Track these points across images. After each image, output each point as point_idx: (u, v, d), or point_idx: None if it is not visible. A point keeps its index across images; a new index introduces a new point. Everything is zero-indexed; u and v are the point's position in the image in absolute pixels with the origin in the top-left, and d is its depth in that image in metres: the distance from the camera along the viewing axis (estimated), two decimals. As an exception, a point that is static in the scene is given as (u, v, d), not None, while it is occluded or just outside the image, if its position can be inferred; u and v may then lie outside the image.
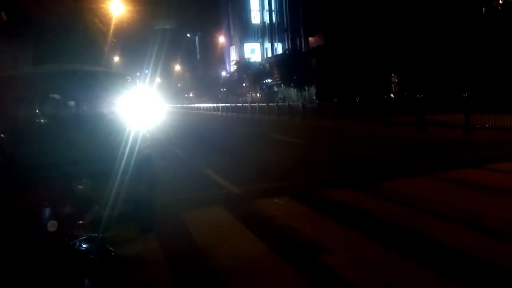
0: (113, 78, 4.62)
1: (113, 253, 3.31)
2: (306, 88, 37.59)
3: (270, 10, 52.96)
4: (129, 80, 4.57)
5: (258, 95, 51.57)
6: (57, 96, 3.98)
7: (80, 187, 3.38)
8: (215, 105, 44.33)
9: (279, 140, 15.75)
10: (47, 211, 3.00)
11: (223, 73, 69.78)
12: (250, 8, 57.80)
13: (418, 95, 13.87)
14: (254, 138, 17.42)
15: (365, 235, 4.74)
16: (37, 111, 3.93)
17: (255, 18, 57.65)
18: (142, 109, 4.77)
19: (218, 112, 41.18)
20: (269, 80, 48.28)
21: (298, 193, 6.90)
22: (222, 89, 66.48)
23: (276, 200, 6.67)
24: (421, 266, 3.85)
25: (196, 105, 59.56)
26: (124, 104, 4.50)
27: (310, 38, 40.31)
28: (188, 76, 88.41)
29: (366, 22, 27.10)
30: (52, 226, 2.91)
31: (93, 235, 3.24)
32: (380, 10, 25.91)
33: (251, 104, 31.86)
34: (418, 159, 9.33)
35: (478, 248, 4.10)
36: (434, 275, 3.66)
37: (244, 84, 56.78)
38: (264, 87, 51.06)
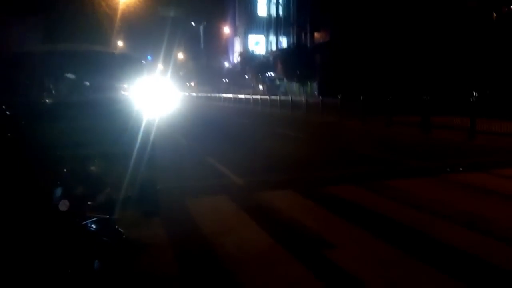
0: (128, 61, 4.57)
1: (124, 236, 3.27)
2: (309, 83, 37.48)
3: (277, 3, 52.61)
4: (143, 64, 4.52)
5: (260, 87, 51.36)
6: (72, 76, 3.93)
7: (93, 168, 3.35)
8: (220, 95, 43.86)
9: (282, 134, 15.73)
10: (59, 190, 2.97)
11: (226, 64, 69.43)
12: (257, 0, 57.43)
13: (424, 97, 13.82)
14: (256, 131, 17.37)
15: (371, 233, 4.76)
16: (51, 89, 3.88)
17: (262, 10, 57.28)
18: (153, 94, 4.73)
19: (220, 103, 41.12)
20: (272, 74, 48.10)
21: (302, 187, 6.91)
22: (224, 80, 66.22)
23: (280, 192, 6.67)
24: (427, 266, 3.87)
25: (199, 94, 59.38)
26: (136, 88, 4.47)
27: (315, 34, 40.07)
28: (191, 65, 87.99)
29: (373, 21, 26.97)
30: (63, 205, 2.88)
31: (105, 216, 3.22)
32: (388, 10, 25.79)
33: (253, 97, 31.79)
34: (423, 160, 9.32)
35: (485, 251, 4.13)
36: (439, 275, 3.69)
37: (246, 76, 56.57)
38: (267, 80, 50.89)
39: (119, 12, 25.49)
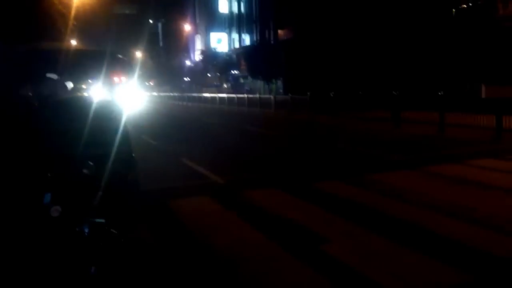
0: (106, 57, 4.32)
1: (122, 240, 3.09)
2: (274, 81, 37.62)
3: (238, 0, 52.49)
4: (121, 59, 4.31)
5: (225, 86, 51.12)
6: (54, 76, 3.68)
7: (85, 171, 3.13)
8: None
9: (254, 132, 15.66)
10: (49, 196, 2.84)
11: (187, 62, 68.57)
12: (218, -3, 57.14)
13: (393, 92, 14.11)
14: (227, 130, 17.18)
15: (363, 226, 4.82)
16: (33, 90, 3.64)
17: (223, 7, 56.95)
18: (128, 93, 4.57)
19: (183, 102, 40.53)
20: (236, 72, 47.98)
21: (286, 184, 6.91)
22: (185, 79, 65.39)
23: (264, 190, 6.63)
24: (421, 255, 3.98)
25: (156, 93, 58.43)
26: (117, 85, 4.28)
27: (279, 31, 40.25)
28: (150, 64, 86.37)
29: (338, 17, 27.30)
30: (55, 211, 2.76)
31: (100, 220, 3.05)
32: (353, 6, 26.14)
33: (219, 95, 31.51)
34: (400, 153, 9.49)
35: (471, 238, 4.29)
36: (434, 263, 3.80)
37: (209, 75, 56.12)
38: (230, 78, 50.72)
39: (73, 10, 24.67)
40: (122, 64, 4.26)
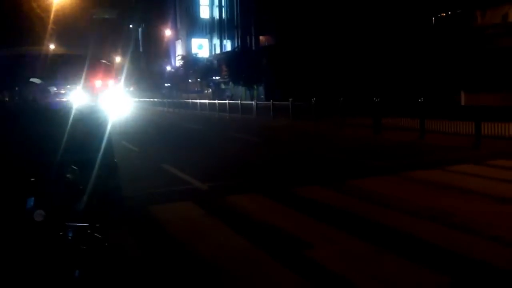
0: (90, 62, 4.26)
1: (106, 244, 3.05)
2: (255, 87, 37.70)
3: (220, 6, 52.49)
4: (106, 65, 4.26)
5: (206, 91, 50.93)
6: (37, 81, 3.62)
7: (69, 175, 3.09)
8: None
9: (236, 138, 15.64)
10: (32, 200, 2.81)
11: (168, 68, 68.11)
12: (199, 3, 56.89)
13: (374, 99, 14.28)
14: (209, 136, 17.12)
15: (345, 231, 4.87)
16: (18, 95, 3.58)
17: (204, 12, 56.85)
18: (112, 98, 4.52)
19: (164, 108, 40.20)
20: (217, 77, 47.90)
21: (268, 190, 6.93)
22: (166, 84, 64.91)
23: (247, 196, 6.65)
24: (403, 259, 4.05)
25: (140, 99, 57.85)
26: (102, 91, 4.24)
27: (261, 37, 40.45)
28: (129, 69, 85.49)
29: (319, 24, 27.55)
30: (39, 215, 2.73)
31: (84, 224, 3.01)
32: (334, 13, 26.40)
33: (200, 101, 31.37)
34: (380, 160, 9.61)
35: (450, 242, 4.39)
36: (415, 267, 3.87)
37: (190, 80, 55.86)
38: (211, 84, 50.59)
39: (52, 14, 24.31)
40: (106, 69, 4.20)
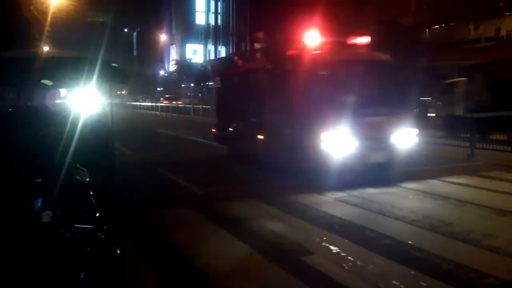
0: (100, 65, 4.24)
1: (113, 246, 3.05)
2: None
3: (216, 13, 52.75)
4: (114, 67, 4.23)
5: (200, 95, 50.91)
6: (49, 83, 3.61)
7: (78, 177, 3.09)
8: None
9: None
10: (40, 201, 2.84)
11: (161, 72, 68.05)
12: (195, 9, 57.11)
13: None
14: (205, 141, 17.03)
15: (344, 237, 4.91)
16: (27, 96, 3.57)
17: (200, 19, 57.05)
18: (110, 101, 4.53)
19: (157, 112, 40.02)
20: (211, 83, 47.93)
21: (265, 196, 6.92)
22: (158, 89, 64.78)
23: (244, 202, 6.65)
24: (401, 265, 4.09)
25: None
26: (105, 93, 4.25)
27: (255, 44, 40.55)
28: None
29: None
30: (46, 216, 2.76)
31: (91, 226, 3.01)
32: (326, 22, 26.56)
33: (194, 106, 31.35)
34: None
35: (450, 251, 4.44)
36: (412, 273, 3.92)
37: (182, 85, 55.85)
38: (204, 89, 50.62)
39: (50, 16, 24.18)
40: (114, 72, 4.18)
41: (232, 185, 8.01)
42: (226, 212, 6.13)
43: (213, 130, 11.94)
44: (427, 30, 20.43)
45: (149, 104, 44.50)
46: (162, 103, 41.72)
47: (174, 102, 41.06)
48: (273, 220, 5.70)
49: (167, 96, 50.57)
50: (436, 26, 20.12)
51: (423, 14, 20.34)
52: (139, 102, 51.61)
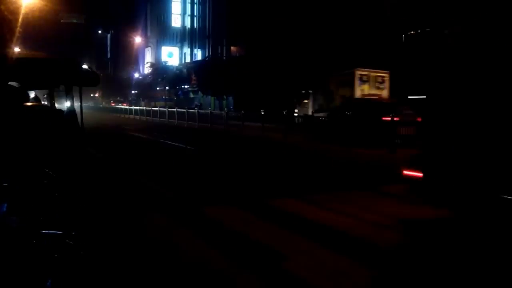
0: (70, 67, 4.15)
1: (81, 253, 2.97)
2: (225, 97, 37.64)
3: (192, 15, 52.43)
4: (86, 70, 4.15)
5: (175, 98, 50.45)
6: (15, 84, 3.50)
7: (45, 181, 3.01)
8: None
9: (207, 148, 15.50)
10: (8, 206, 2.78)
11: (136, 75, 67.10)
12: (171, 11, 56.51)
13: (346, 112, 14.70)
14: (179, 145, 16.91)
15: (319, 243, 4.93)
16: None
17: (176, 21, 56.51)
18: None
19: (131, 115, 39.48)
20: (186, 86, 47.60)
21: (241, 201, 6.89)
22: (133, 91, 63.87)
23: (219, 208, 6.59)
24: (376, 270, 4.13)
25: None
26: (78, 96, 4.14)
27: (232, 48, 40.58)
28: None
29: (287, 39, 27.88)
30: (12, 221, 2.74)
31: (58, 232, 2.94)
32: (303, 28, 26.79)
33: (169, 109, 31.05)
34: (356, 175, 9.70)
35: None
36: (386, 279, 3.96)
37: (158, 88, 55.21)
38: (180, 92, 50.19)
39: (21, 17, 23.63)
40: (85, 74, 4.09)
41: (211, 191, 7.92)
42: (200, 219, 6.03)
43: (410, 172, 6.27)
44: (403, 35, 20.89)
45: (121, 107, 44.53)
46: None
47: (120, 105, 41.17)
48: (250, 225, 5.63)
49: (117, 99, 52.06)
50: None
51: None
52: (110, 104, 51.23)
